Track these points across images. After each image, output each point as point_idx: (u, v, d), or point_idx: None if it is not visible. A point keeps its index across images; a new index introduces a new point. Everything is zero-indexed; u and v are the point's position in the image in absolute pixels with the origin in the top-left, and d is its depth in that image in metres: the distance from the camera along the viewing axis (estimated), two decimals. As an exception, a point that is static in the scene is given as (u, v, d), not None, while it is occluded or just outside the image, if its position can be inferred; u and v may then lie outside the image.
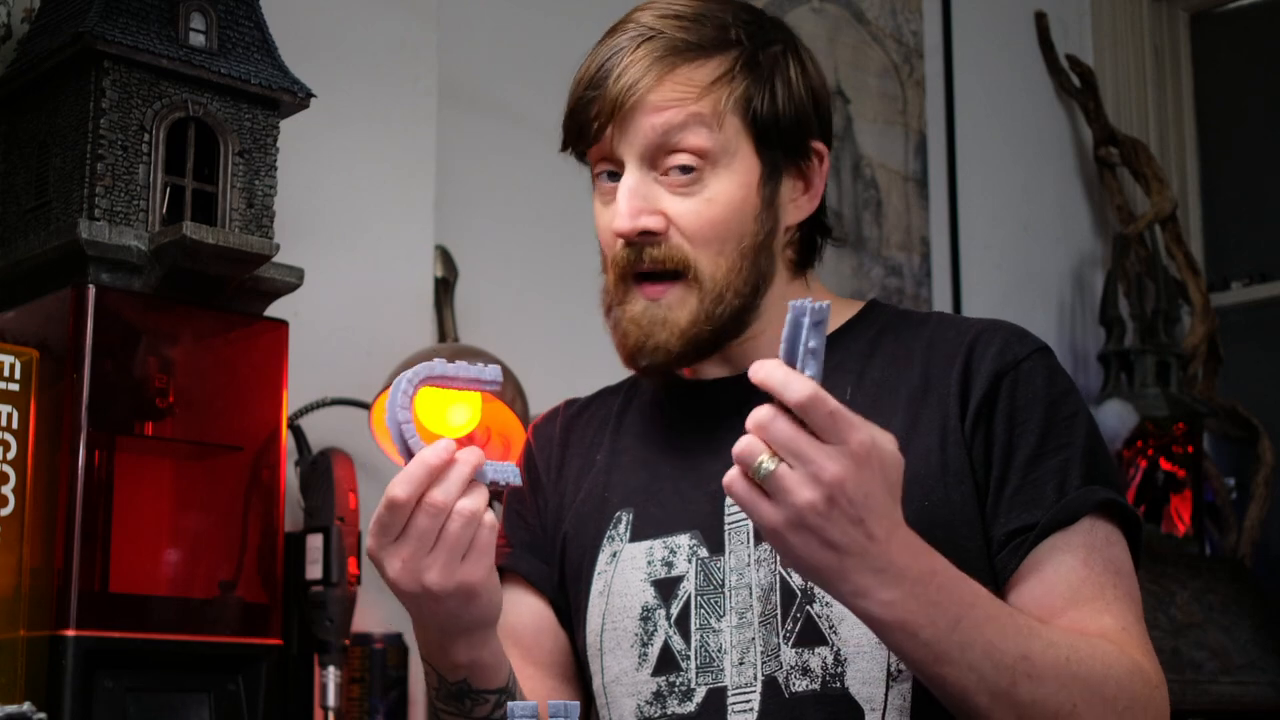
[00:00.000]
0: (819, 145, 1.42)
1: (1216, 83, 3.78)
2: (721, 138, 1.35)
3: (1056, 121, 3.60)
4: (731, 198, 1.36)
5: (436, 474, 1.19)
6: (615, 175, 1.38)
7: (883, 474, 1.11)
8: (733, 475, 1.12)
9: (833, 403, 1.09)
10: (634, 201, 1.35)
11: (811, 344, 1.10)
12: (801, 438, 1.09)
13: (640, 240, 1.35)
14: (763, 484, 1.10)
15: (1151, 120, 3.71)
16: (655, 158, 1.36)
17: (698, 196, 1.35)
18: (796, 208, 1.42)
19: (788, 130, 1.39)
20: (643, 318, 1.37)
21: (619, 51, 1.37)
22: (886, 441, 1.12)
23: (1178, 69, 3.79)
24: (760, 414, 1.10)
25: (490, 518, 1.21)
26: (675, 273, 1.36)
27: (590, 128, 1.37)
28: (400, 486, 1.19)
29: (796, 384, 1.08)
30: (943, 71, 3.34)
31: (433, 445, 1.20)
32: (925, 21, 3.32)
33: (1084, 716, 1.20)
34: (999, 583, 1.30)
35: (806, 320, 1.10)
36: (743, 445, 1.11)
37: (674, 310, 1.36)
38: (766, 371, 1.10)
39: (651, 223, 1.35)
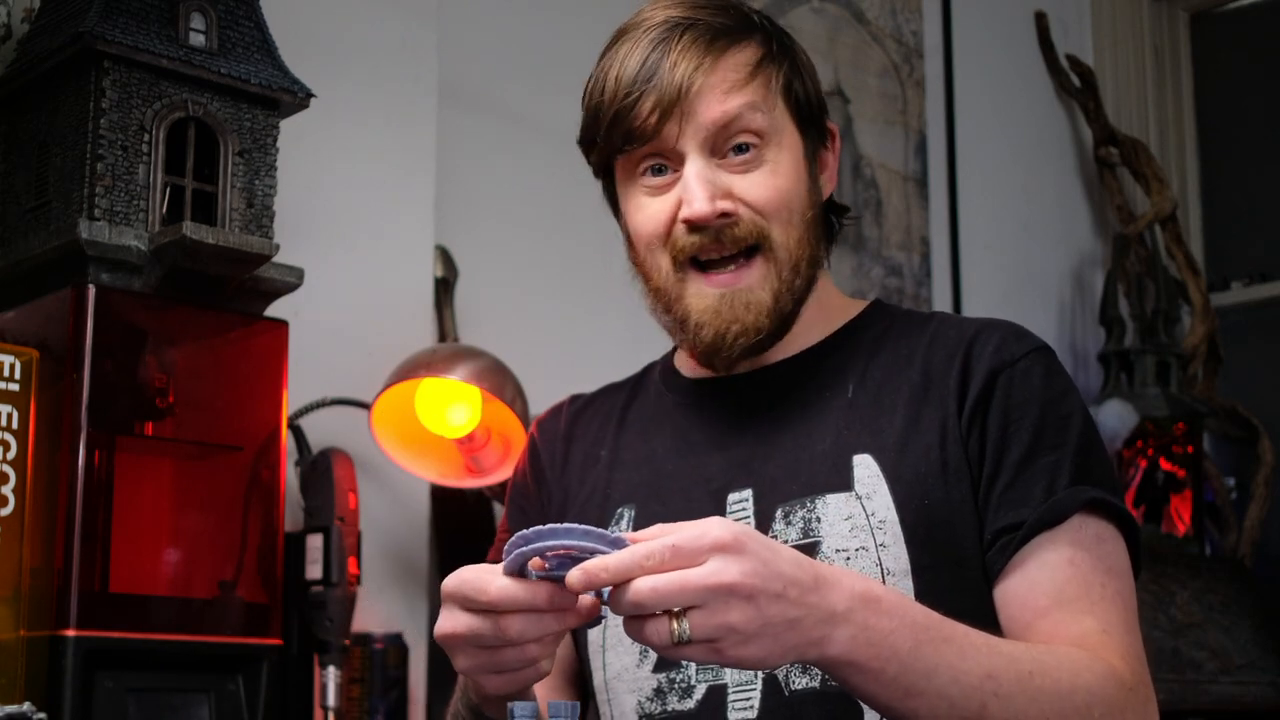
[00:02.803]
0: (832, 126, 1.46)
1: (1216, 83, 3.78)
2: (772, 118, 1.37)
3: (1056, 121, 3.60)
4: (790, 170, 1.38)
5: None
6: (661, 170, 1.38)
7: (757, 541, 1.08)
8: (682, 654, 1.07)
9: (665, 539, 1.06)
10: (707, 187, 1.35)
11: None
12: (678, 577, 1.05)
13: (718, 224, 1.35)
14: (696, 641, 1.06)
15: (1151, 120, 3.71)
16: (716, 143, 1.36)
17: (761, 171, 1.37)
18: (821, 187, 1.44)
19: (816, 110, 1.42)
20: (721, 306, 1.36)
21: (661, 44, 1.36)
22: (718, 519, 1.08)
23: (1178, 69, 3.79)
24: (632, 596, 1.05)
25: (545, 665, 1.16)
26: (750, 249, 1.36)
27: (645, 125, 1.35)
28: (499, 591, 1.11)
29: (630, 551, 1.05)
30: (943, 71, 3.34)
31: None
32: (925, 21, 3.32)
33: None
34: (989, 581, 1.30)
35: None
36: (650, 636, 1.06)
37: (756, 291, 1.36)
38: (594, 573, 1.05)
39: (727, 205, 1.35)
